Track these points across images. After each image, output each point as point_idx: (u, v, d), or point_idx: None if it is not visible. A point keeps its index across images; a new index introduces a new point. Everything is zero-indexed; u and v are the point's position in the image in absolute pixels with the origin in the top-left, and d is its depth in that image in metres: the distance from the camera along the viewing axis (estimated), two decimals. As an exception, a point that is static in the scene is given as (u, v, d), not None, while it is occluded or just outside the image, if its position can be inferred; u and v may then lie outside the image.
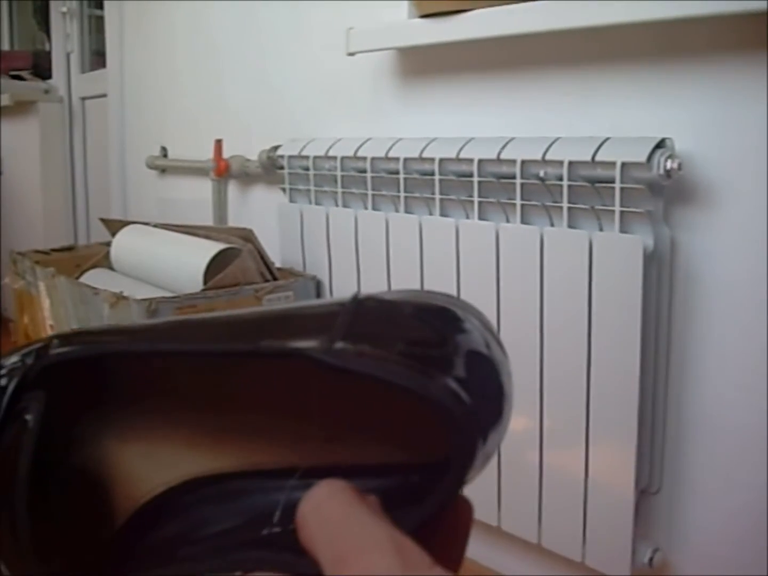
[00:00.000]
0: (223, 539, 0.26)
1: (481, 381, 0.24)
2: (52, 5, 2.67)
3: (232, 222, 1.76)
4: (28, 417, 0.26)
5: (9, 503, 0.25)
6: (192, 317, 0.27)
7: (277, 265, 1.42)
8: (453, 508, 0.25)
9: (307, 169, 1.38)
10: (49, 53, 2.75)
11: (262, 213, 1.66)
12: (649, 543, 1.04)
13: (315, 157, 1.36)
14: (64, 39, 2.62)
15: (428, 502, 0.23)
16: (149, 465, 0.28)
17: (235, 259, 1.32)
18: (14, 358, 0.27)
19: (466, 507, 0.25)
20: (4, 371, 0.27)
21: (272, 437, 0.28)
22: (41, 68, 2.72)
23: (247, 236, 1.38)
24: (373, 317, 0.25)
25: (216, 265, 1.33)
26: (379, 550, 0.20)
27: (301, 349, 0.24)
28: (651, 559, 1.03)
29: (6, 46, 3.09)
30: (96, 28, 2.57)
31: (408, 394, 0.22)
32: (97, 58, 2.57)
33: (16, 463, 0.26)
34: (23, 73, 2.69)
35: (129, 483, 0.28)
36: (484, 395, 0.24)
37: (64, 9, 2.58)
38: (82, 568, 0.27)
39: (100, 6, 2.36)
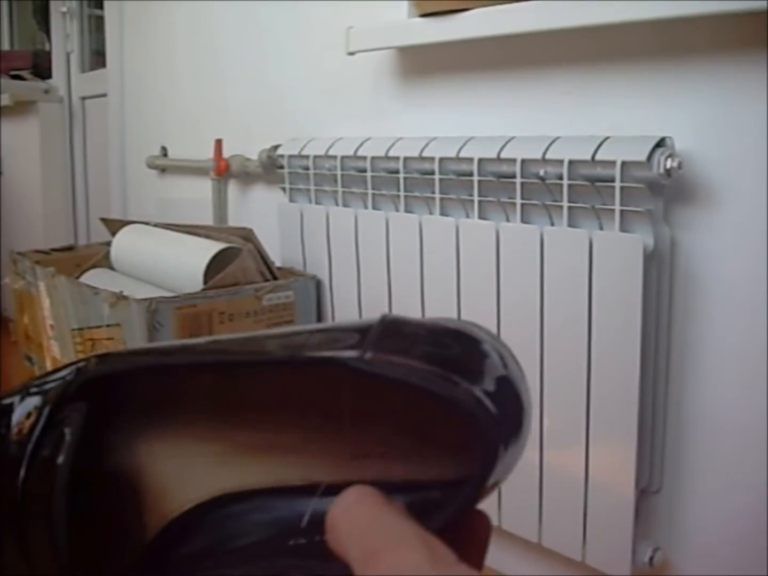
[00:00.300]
0: (251, 551, 0.27)
1: (503, 395, 0.25)
2: (52, 5, 2.67)
3: (232, 222, 1.76)
4: (67, 429, 0.27)
5: (48, 513, 0.26)
6: (225, 336, 0.28)
7: (277, 264, 1.42)
8: (470, 521, 0.25)
9: (307, 168, 1.38)
10: (49, 53, 2.75)
11: (262, 213, 1.66)
12: (649, 542, 1.04)
13: (315, 157, 1.36)
14: (64, 39, 2.62)
15: (447, 511, 0.24)
16: (179, 481, 0.29)
17: (235, 258, 1.32)
18: (56, 375, 0.28)
19: (483, 521, 0.26)
20: (46, 386, 0.28)
21: (300, 454, 0.28)
22: (41, 68, 2.72)
23: (247, 236, 1.38)
24: (400, 333, 0.26)
25: (216, 264, 1.33)
26: (409, 546, 0.20)
27: (335, 357, 0.25)
28: (651, 559, 1.03)
29: (6, 46, 3.09)
30: (96, 28, 2.57)
31: (435, 399, 0.23)
32: (97, 58, 2.57)
33: (55, 473, 0.26)
34: (23, 73, 2.69)
35: (160, 498, 0.29)
36: (506, 408, 0.25)
37: (64, 9, 2.58)
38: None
39: (100, 6, 2.36)
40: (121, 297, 1.21)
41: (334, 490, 0.26)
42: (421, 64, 1.33)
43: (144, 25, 2.10)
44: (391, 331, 0.26)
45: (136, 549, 0.28)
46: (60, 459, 0.26)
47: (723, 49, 0.94)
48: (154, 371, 0.28)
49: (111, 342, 1.25)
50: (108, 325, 1.24)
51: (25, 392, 0.29)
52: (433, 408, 0.24)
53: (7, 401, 0.28)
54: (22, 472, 0.26)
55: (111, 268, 1.60)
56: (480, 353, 0.26)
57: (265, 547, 0.27)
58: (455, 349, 0.26)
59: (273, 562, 0.25)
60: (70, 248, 1.73)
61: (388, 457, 0.27)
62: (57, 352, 1.43)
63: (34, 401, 0.28)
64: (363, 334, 0.25)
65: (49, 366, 1.48)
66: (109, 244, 1.64)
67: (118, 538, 0.28)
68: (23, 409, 0.28)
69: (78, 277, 1.54)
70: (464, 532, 0.25)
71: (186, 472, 0.29)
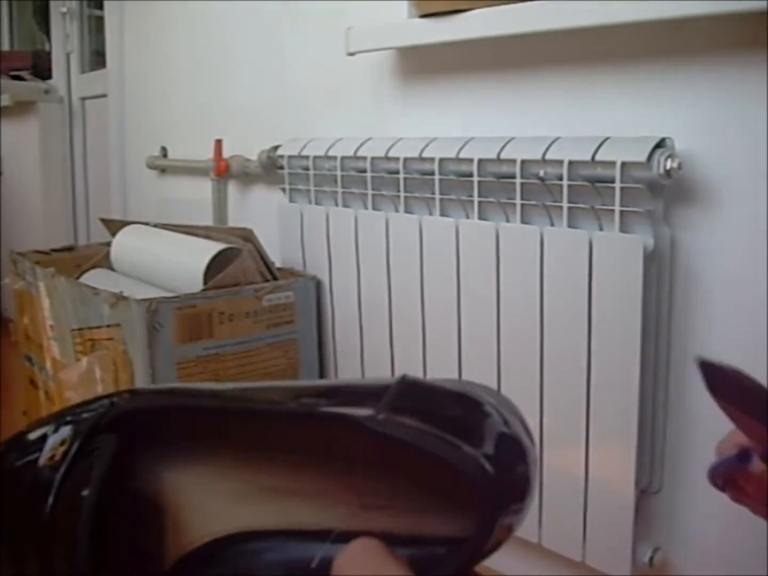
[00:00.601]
0: None
1: (507, 462, 0.27)
2: (52, 5, 2.67)
3: (232, 222, 1.76)
4: (96, 460, 0.28)
5: (72, 534, 0.27)
6: (251, 384, 0.30)
7: (277, 265, 1.42)
8: None
9: (307, 169, 1.38)
10: (49, 53, 2.75)
11: (262, 213, 1.66)
12: (649, 543, 1.04)
13: (315, 157, 1.36)
14: (64, 39, 2.62)
15: (448, 567, 0.26)
16: (200, 515, 0.31)
17: (235, 259, 1.32)
18: (90, 406, 0.30)
19: None
20: (80, 417, 0.30)
21: (314, 500, 0.30)
22: (41, 68, 2.72)
23: (247, 236, 1.38)
24: (416, 395, 0.28)
25: (216, 265, 1.33)
26: None
27: (352, 416, 0.27)
28: (651, 559, 1.03)
29: (6, 46, 3.09)
30: (96, 28, 2.57)
31: (441, 462, 0.25)
32: (97, 58, 2.57)
33: (82, 498, 0.28)
34: (23, 73, 2.69)
35: (181, 529, 0.31)
36: (508, 472, 0.26)
37: (64, 9, 2.58)
38: None
39: (100, 6, 2.36)
40: (121, 297, 1.22)
41: (344, 537, 0.28)
42: (421, 64, 1.33)
43: (144, 25, 2.10)
44: (407, 393, 0.28)
45: (159, 572, 0.30)
46: (86, 490, 0.28)
47: (723, 50, 0.94)
48: (182, 411, 0.30)
49: (111, 342, 1.25)
50: (108, 326, 1.24)
51: (60, 421, 0.30)
52: (439, 469, 0.26)
53: (41, 431, 0.30)
54: (51, 498, 0.28)
55: (111, 268, 1.60)
56: (491, 418, 0.28)
57: None
58: (466, 413, 0.27)
59: None
60: (70, 248, 1.73)
61: (396, 510, 0.28)
62: (57, 353, 1.43)
63: (67, 430, 0.29)
64: (381, 393, 0.27)
65: (49, 366, 1.48)
66: (109, 244, 1.64)
67: (137, 566, 0.30)
68: (57, 438, 0.29)
69: (78, 278, 1.54)
70: None
71: (207, 507, 0.31)
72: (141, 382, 1.21)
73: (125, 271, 1.56)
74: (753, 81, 0.91)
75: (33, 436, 0.30)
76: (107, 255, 1.62)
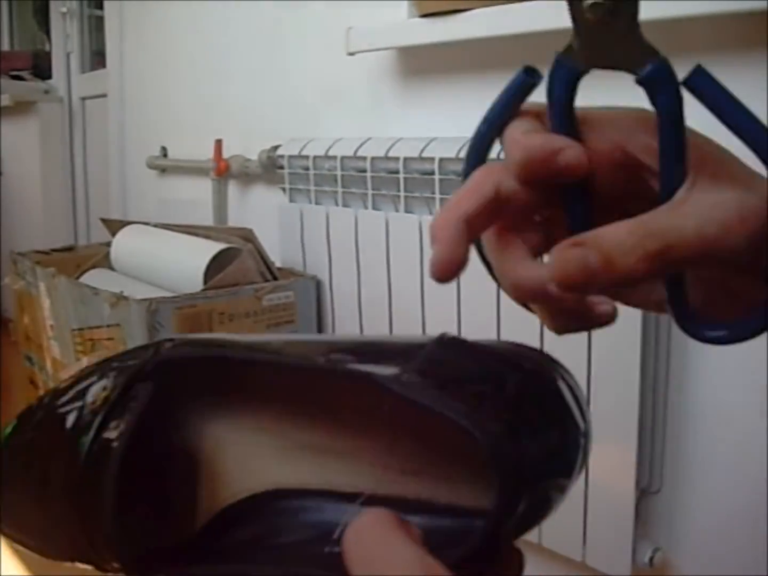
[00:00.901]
0: (290, 550, 0.28)
1: (541, 436, 0.25)
2: (52, 5, 2.66)
3: (232, 222, 1.76)
4: (133, 404, 0.28)
5: (100, 484, 0.27)
6: (297, 337, 0.29)
7: (277, 265, 1.42)
8: (504, 556, 0.25)
9: (307, 168, 1.38)
10: (49, 53, 2.74)
11: (262, 213, 1.66)
12: (649, 543, 1.04)
13: (315, 157, 1.36)
14: (64, 39, 2.62)
15: (469, 545, 0.24)
16: (240, 470, 0.30)
17: (235, 259, 1.32)
18: (134, 354, 0.30)
19: (516, 558, 0.25)
20: (125, 364, 0.30)
21: (352, 460, 0.29)
22: (41, 68, 2.72)
23: (247, 236, 1.38)
24: (450, 357, 0.26)
25: (216, 265, 1.33)
26: (408, 570, 0.20)
27: (375, 374, 0.25)
28: (651, 559, 1.03)
29: (6, 46, 3.09)
30: (96, 28, 2.57)
31: (462, 431, 0.23)
32: (97, 58, 2.57)
33: (111, 446, 0.27)
34: (23, 73, 2.69)
35: (215, 484, 0.30)
36: (539, 448, 0.24)
37: (64, 9, 2.58)
38: (161, 556, 0.28)
39: (100, 6, 2.36)
40: (121, 297, 1.22)
41: (373, 501, 0.27)
42: (421, 64, 1.33)
43: (144, 25, 2.10)
44: (441, 354, 0.26)
45: (187, 528, 0.29)
46: (115, 439, 0.27)
47: (723, 49, 0.94)
48: (225, 362, 0.29)
49: (111, 342, 1.25)
50: (108, 326, 1.24)
51: (106, 369, 0.30)
52: (463, 437, 0.24)
53: (90, 378, 0.30)
54: (86, 445, 0.28)
55: (111, 268, 1.60)
56: (534, 387, 0.26)
57: (304, 548, 0.28)
58: (501, 380, 0.26)
59: (306, 567, 0.26)
60: (70, 248, 1.73)
61: (431, 477, 0.27)
62: (57, 353, 1.43)
63: (110, 378, 0.29)
64: (415, 352, 0.26)
65: (49, 366, 1.48)
66: (109, 244, 1.64)
67: (168, 520, 0.29)
68: (100, 385, 0.29)
69: (78, 278, 1.54)
70: (496, 566, 0.25)
71: (246, 462, 0.30)
72: (141, 382, 1.21)
73: (125, 271, 1.56)
74: (753, 81, 0.91)
75: (81, 383, 0.30)
76: (107, 255, 1.62)
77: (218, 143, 1.72)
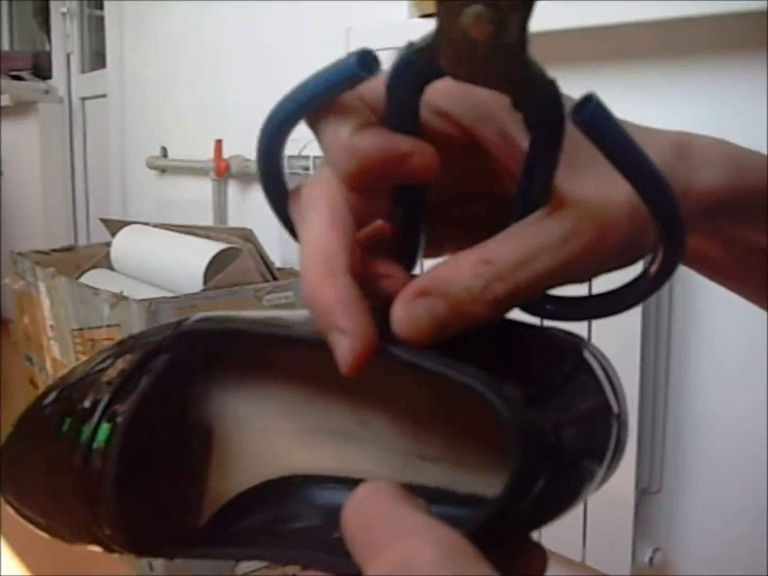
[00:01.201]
0: (299, 537, 0.27)
1: (566, 408, 0.23)
2: (52, 5, 2.67)
3: (232, 222, 1.76)
4: (145, 379, 0.27)
5: (104, 459, 0.26)
6: (300, 313, 0.27)
7: (277, 265, 1.42)
8: (525, 553, 0.23)
9: (307, 169, 1.38)
10: (49, 53, 2.75)
11: (262, 213, 1.66)
12: (649, 543, 1.04)
13: (315, 157, 1.35)
14: (64, 39, 2.62)
15: (477, 519, 0.21)
16: (256, 454, 0.29)
17: (235, 259, 1.32)
18: (160, 328, 0.29)
19: (539, 555, 0.23)
20: (147, 339, 0.28)
21: (370, 445, 0.28)
22: (41, 68, 2.72)
23: (247, 236, 1.38)
24: (468, 333, 0.23)
25: (216, 265, 1.33)
26: (420, 538, 0.18)
27: (386, 347, 0.22)
28: (651, 559, 1.03)
29: (6, 46, 3.09)
30: (96, 28, 2.57)
31: (484, 412, 0.21)
32: (97, 59, 2.57)
33: (116, 420, 0.26)
34: (23, 74, 2.69)
35: (229, 467, 0.29)
36: (564, 420, 0.22)
37: (64, 9, 2.58)
38: (166, 540, 0.27)
39: (100, 6, 2.36)
40: (121, 297, 1.21)
41: None
42: (421, 64, 1.32)
43: (144, 25, 2.10)
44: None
45: (194, 513, 0.28)
46: (121, 414, 0.26)
47: (724, 49, 0.94)
48: (245, 337, 0.27)
49: (111, 342, 1.25)
50: (108, 326, 1.24)
51: (130, 343, 0.29)
52: (486, 422, 0.23)
53: (105, 359, 0.29)
54: (96, 417, 0.27)
55: (111, 268, 1.60)
56: (558, 360, 0.24)
57: (315, 533, 0.26)
58: (522, 353, 0.24)
59: (316, 552, 0.25)
60: (70, 248, 1.73)
61: (455, 465, 0.26)
62: (57, 353, 1.43)
63: (129, 354, 0.28)
64: None
65: (49, 366, 1.48)
66: (109, 244, 1.64)
67: (176, 500, 0.28)
68: (122, 358, 0.28)
69: (78, 278, 1.54)
70: (516, 563, 0.22)
71: (262, 447, 0.29)
72: (141, 382, 1.21)
73: (125, 272, 1.56)
74: (753, 81, 0.91)
75: (98, 361, 0.29)
76: (107, 255, 1.62)
77: (218, 143, 1.72)
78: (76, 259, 1.65)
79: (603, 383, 0.24)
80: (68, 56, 2.63)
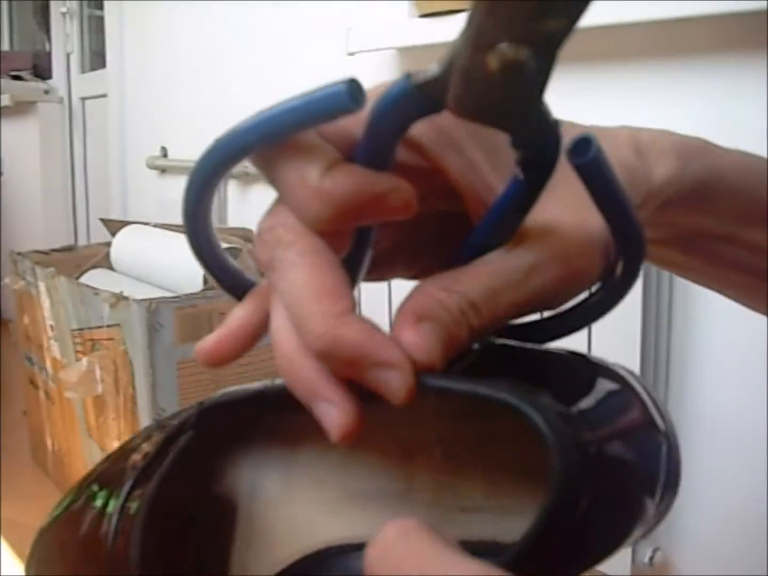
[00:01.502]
0: None
1: (610, 428, 0.21)
2: (52, 5, 2.67)
3: (232, 222, 1.76)
4: (165, 461, 0.26)
5: (126, 542, 0.25)
6: None
7: (277, 265, 1.42)
8: None
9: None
10: (49, 53, 2.75)
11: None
12: (649, 542, 1.04)
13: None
14: (64, 39, 2.62)
15: (514, 547, 0.19)
16: (291, 529, 0.27)
17: (235, 259, 1.32)
18: (188, 408, 0.27)
19: None
20: (174, 420, 0.27)
21: (408, 503, 0.26)
22: (41, 68, 2.72)
23: (247, 236, 1.38)
24: (499, 358, 0.22)
25: (216, 265, 1.33)
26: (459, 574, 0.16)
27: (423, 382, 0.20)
28: (651, 559, 1.03)
29: (6, 46, 3.09)
30: (96, 28, 2.57)
31: (524, 443, 0.19)
32: (97, 58, 2.57)
33: (140, 495, 0.25)
34: (23, 74, 2.69)
35: (259, 542, 0.27)
36: (608, 440, 0.20)
37: (64, 9, 2.58)
38: None
39: (100, 6, 2.36)
40: (121, 297, 1.22)
41: None
42: (421, 64, 1.32)
43: (144, 25, 2.10)
44: (487, 355, 0.22)
45: None
46: (135, 500, 0.25)
47: (723, 49, 0.94)
48: (268, 403, 0.24)
49: (111, 342, 1.25)
50: (108, 326, 1.24)
51: (158, 424, 0.28)
52: (526, 458, 0.21)
53: (132, 445, 0.28)
54: (121, 501, 0.26)
55: (111, 268, 1.60)
56: (598, 379, 0.23)
57: None
58: (561, 372, 0.23)
59: None
60: (70, 248, 1.73)
61: (500, 512, 0.24)
62: (57, 353, 1.44)
63: (159, 433, 0.27)
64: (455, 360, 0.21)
65: (49, 366, 1.48)
66: (109, 244, 1.64)
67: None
68: (147, 441, 0.27)
69: (78, 278, 1.54)
70: None
71: (298, 520, 0.27)
72: (141, 382, 1.21)
73: (125, 272, 1.56)
74: (753, 81, 0.91)
75: (134, 441, 0.28)
76: (107, 255, 1.62)
77: (218, 143, 1.72)
78: (76, 259, 1.65)
79: (648, 403, 0.23)
80: (68, 56, 2.63)
